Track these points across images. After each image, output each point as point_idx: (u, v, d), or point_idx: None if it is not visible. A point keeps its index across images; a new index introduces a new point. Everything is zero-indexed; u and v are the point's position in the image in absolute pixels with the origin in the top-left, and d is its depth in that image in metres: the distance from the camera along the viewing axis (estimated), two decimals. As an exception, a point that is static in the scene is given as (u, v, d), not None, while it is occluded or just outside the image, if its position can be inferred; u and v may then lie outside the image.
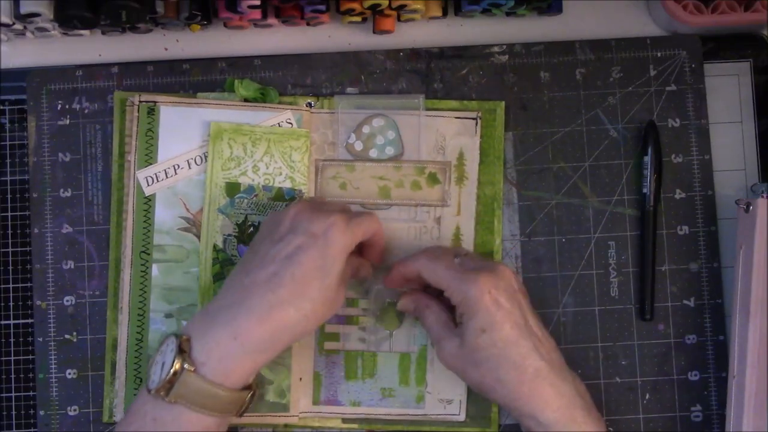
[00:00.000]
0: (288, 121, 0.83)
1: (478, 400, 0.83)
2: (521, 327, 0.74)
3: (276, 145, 0.83)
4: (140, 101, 0.83)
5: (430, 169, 0.84)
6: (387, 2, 0.81)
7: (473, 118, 0.84)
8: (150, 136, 0.83)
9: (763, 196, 0.78)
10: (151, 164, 0.83)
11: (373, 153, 0.84)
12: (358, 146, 0.84)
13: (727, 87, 0.86)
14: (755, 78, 0.86)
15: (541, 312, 0.82)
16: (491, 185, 0.84)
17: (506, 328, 0.73)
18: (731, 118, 0.86)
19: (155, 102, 0.83)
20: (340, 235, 0.73)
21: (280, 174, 0.83)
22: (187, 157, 0.83)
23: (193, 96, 0.84)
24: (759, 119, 0.86)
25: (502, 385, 0.74)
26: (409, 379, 0.83)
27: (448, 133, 0.84)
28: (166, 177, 0.83)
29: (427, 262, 0.77)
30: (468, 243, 0.83)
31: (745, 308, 0.77)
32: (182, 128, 0.83)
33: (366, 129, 0.84)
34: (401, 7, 0.83)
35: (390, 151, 0.84)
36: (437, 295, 0.79)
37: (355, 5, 0.82)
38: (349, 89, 0.84)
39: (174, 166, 0.83)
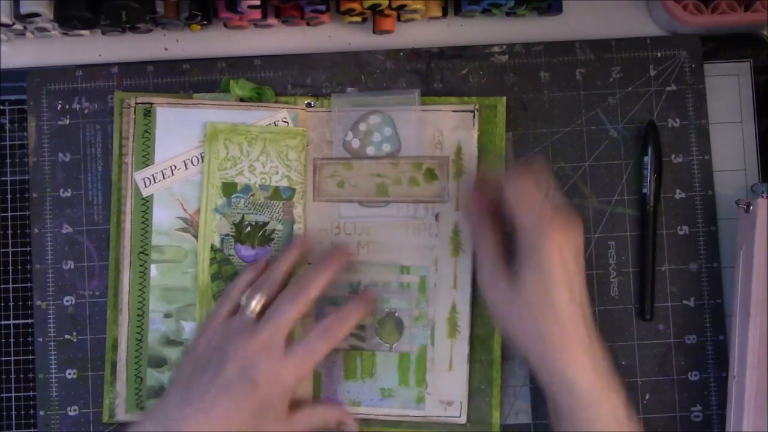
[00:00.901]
0: (284, 120, 0.83)
1: (479, 403, 0.83)
2: (576, 292, 0.71)
3: (272, 145, 0.83)
4: (137, 103, 0.83)
5: (428, 165, 0.84)
6: (387, 2, 0.81)
7: (470, 111, 0.84)
8: (147, 137, 0.83)
9: (763, 196, 0.78)
10: (148, 165, 0.83)
11: (370, 150, 0.84)
12: (356, 144, 0.84)
13: (727, 87, 0.86)
14: (755, 78, 0.86)
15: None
16: (492, 183, 0.84)
17: (565, 289, 0.70)
18: (731, 118, 0.86)
19: (152, 103, 0.83)
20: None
21: (277, 173, 0.83)
22: (184, 158, 0.83)
23: (190, 96, 0.84)
24: (759, 119, 0.86)
25: (543, 341, 0.71)
26: (408, 379, 0.83)
27: (446, 127, 0.84)
28: (164, 178, 0.83)
29: (523, 187, 0.73)
30: (467, 241, 0.83)
31: (745, 308, 0.77)
32: (179, 129, 0.83)
33: (363, 126, 0.84)
34: (401, 7, 0.83)
35: (387, 147, 0.84)
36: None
37: (355, 5, 0.82)
38: (349, 89, 0.84)
39: (171, 167, 0.83)
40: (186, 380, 0.75)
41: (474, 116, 0.84)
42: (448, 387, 0.83)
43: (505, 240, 0.76)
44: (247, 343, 0.74)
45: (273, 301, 0.77)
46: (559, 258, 0.70)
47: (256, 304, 0.76)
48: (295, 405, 0.78)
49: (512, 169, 0.75)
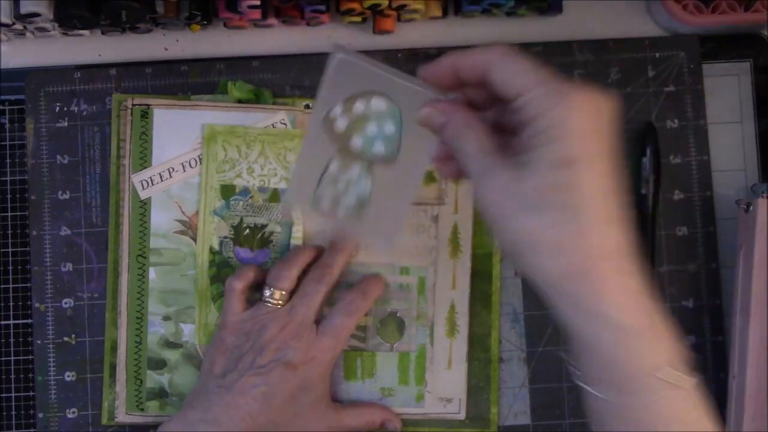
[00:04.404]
0: (282, 121, 0.83)
1: (477, 400, 0.83)
2: (612, 178, 0.54)
3: (270, 147, 0.83)
4: (133, 104, 0.83)
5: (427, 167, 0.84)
6: (387, 2, 0.81)
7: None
8: (144, 139, 0.83)
9: (763, 196, 0.78)
10: (145, 168, 0.83)
11: (356, 142, 0.66)
12: (341, 124, 0.66)
13: (727, 87, 0.86)
14: (755, 78, 0.86)
15: (541, 314, 0.82)
16: (491, 186, 0.84)
17: (598, 168, 0.53)
18: (731, 118, 0.86)
19: (148, 105, 0.83)
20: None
21: (275, 175, 0.83)
22: (182, 160, 0.83)
23: (187, 98, 0.84)
24: (759, 119, 0.86)
25: (567, 251, 0.54)
26: (408, 378, 0.83)
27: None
28: (161, 180, 0.83)
29: (504, 55, 0.57)
30: (466, 242, 0.83)
31: (745, 308, 0.77)
32: (176, 131, 0.83)
33: (360, 106, 0.66)
34: (401, 7, 0.83)
35: (379, 148, 0.66)
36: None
37: (355, 5, 0.82)
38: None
39: (169, 169, 0.83)
40: (221, 370, 0.76)
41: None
42: (448, 385, 0.83)
43: (491, 133, 0.59)
44: (281, 329, 0.76)
45: (297, 287, 0.79)
46: (588, 125, 0.53)
47: (281, 293, 0.78)
48: (345, 403, 0.82)
49: (491, 45, 0.57)
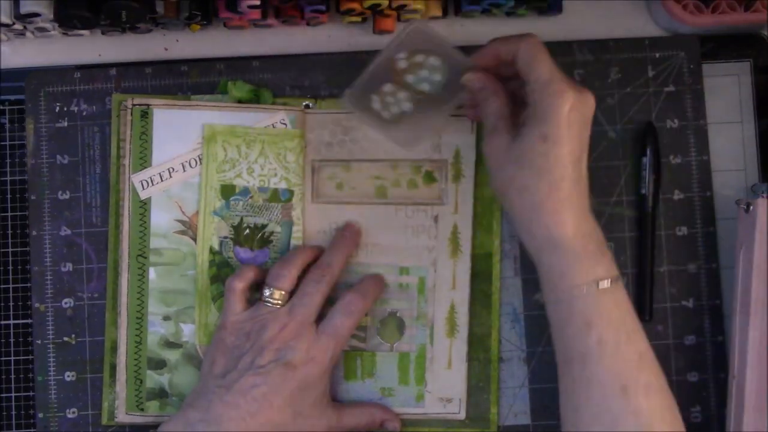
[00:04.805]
0: (282, 121, 0.83)
1: (477, 400, 0.83)
2: (576, 156, 0.72)
3: (270, 147, 0.83)
4: (133, 104, 0.83)
5: (427, 168, 0.84)
6: (387, 2, 0.81)
7: (469, 115, 0.84)
8: (144, 139, 0.83)
9: (763, 196, 0.78)
10: (145, 168, 0.83)
11: (409, 78, 0.79)
12: (402, 64, 0.79)
13: (727, 87, 0.86)
14: (755, 78, 0.86)
15: (540, 314, 0.82)
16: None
17: (567, 148, 0.71)
18: (731, 118, 0.86)
19: (148, 105, 0.83)
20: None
21: (275, 175, 0.83)
22: (182, 160, 0.83)
23: (187, 98, 0.85)
24: (759, 119, 0.86)
25: (531, 192, 0.71)
26: (408, 378, 0.83)
27: (445, 130, 0.85)
28: (161, 180, 0.83)
29: (532, 45, 0.74)
30: (466, 243, 0.83)
31: (745, 308, 0.77)
32: (176, 131, 0.83)
33: (420, 57, 0.79)
34: (401, 7, 0.83)
35: (425, 86, 0.79)
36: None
37: (355, 5, 0.82)
38: (347, 90, 0.84)
39: (169, 169, 0.83)
40: (221, 370, 0.77)
41: (473, 121, 0.84)
42: (448, 385, 0.83)
43: (510, 102, 0.76)
44: (281, 329, 0.77)
45: (297, 287, 0.79)
46: (567, 116, 0.71)
47: (280, 293, 0.78)
48: (345, 403, 0.83)
49: (527, 34, 0.75)
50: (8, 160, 0.85)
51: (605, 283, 0.71)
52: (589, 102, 0.73)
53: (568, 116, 0.71)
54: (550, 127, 0.71)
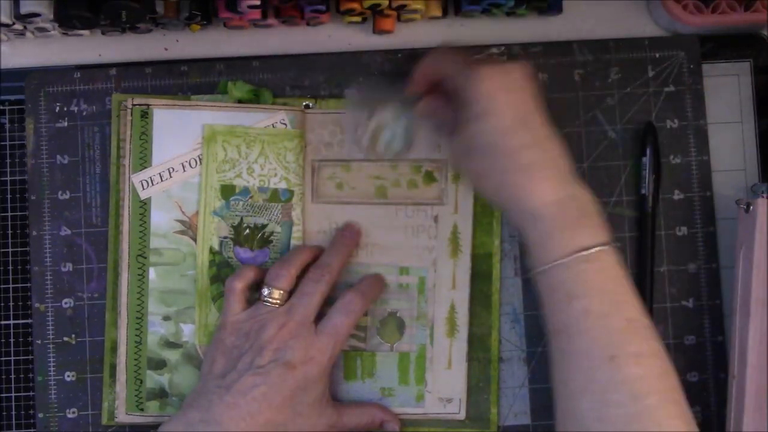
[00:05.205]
0: (282, 121, 0.83)
1: (477, 400, 0.83)
2: (518, 120, 0.71)
3: (270, 147, 0.83)
4: (133, 104, 0.83)
5: (427, 167, 0.84)
6: (387, 2, 0.81)
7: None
8: (144, 139, 0.83)
9: (763, 196, 0.78)
10: (145, 168, 0.83)
11: (380, 147, 0.82)
12: (365, 141, 0.82)
13: (727, 87, 0.86)
14: (755, 78, 0.86)
15: (541, 314, 0.82)
16: (490, 186, 0.84)
17: (498, 117, 0.70)
18: (731, 118, 0.86)
19: (148, 105, 0.83)
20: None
21: (275, 175, 0.83)
22: (182, 160, 0.83)
23: (187, 98, 0.84)
24: (759, 119, 0.86)
25: (489, 174, 0.72)
26: (408, 378, 0.83)
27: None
28: (161, 180, 0.83)
29: (439, 54, 0.76)
30: (466, 243, 0.83)
31: (745, 308, 0.77)
32: (176, 131, 0.83)
33: (373, 123, 0.82)
34: (401, 7, 0.83)
35: (398, 144, 0.82)
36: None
37: (355, 5, 0.82)
38: (346, 91, 0.84)
39: (169, 169, 0.83)
40: (220, 370, 0.77)
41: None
42: (448, 385, 0.83)
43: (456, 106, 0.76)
44: (280, 328, 0.76)
45: (296, 287, 0.79)
46: (485, 89, 0.71)
47: (279, 293, 0.78)
48: (345, 402, 0.83)
49: (432, 49, 0.78)
50: (8, 160, 0.85)
51: (589, 252, 0.70)
52: (511, 71, 0.72)
53: (488, 89, 0.71)
54: (475, 105, 0.71)
